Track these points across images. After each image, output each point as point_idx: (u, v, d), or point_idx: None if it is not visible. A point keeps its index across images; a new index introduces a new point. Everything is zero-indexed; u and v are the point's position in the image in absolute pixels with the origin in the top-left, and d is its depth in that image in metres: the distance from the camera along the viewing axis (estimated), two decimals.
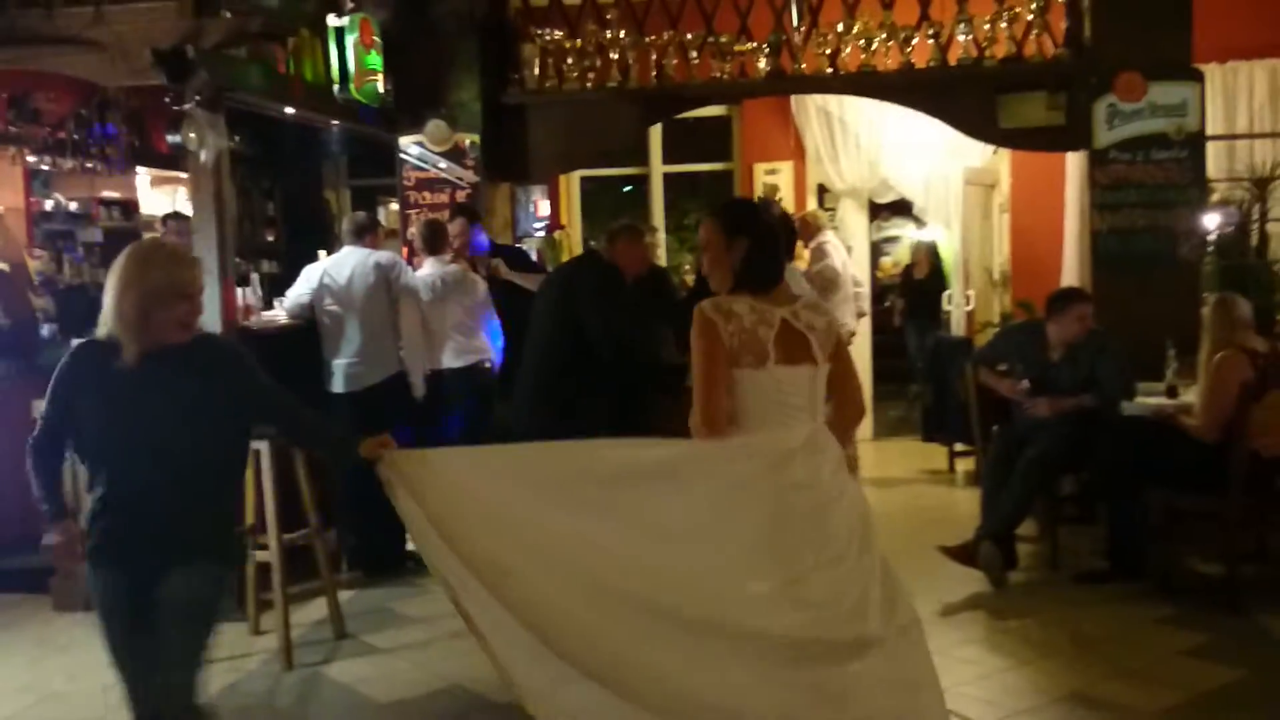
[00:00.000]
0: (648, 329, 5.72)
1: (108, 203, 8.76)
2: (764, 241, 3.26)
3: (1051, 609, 5.38)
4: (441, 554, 3.14)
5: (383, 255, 6.63)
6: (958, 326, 9.50)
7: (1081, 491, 6.47)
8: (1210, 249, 7.31)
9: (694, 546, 3.05)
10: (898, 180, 9.72)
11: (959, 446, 8.27)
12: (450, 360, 6.60)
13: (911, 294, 10.78)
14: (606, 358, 5.39)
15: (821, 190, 10.16)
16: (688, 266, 9.28)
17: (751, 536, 3.01)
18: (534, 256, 8.85)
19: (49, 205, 8.42)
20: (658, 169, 10.38)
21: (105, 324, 3.14)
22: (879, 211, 11.79)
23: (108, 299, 3.13)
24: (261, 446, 5.03)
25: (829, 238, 8.73)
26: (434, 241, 6.72)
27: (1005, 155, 9.34)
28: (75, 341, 3.22)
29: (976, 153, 9.21)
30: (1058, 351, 5.97)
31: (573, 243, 10.09)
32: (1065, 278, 8.09)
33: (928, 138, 9.00)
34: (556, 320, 5.57)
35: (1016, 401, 6.09)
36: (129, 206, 8.91)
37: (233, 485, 3.45)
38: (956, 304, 9.53)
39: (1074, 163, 8.01)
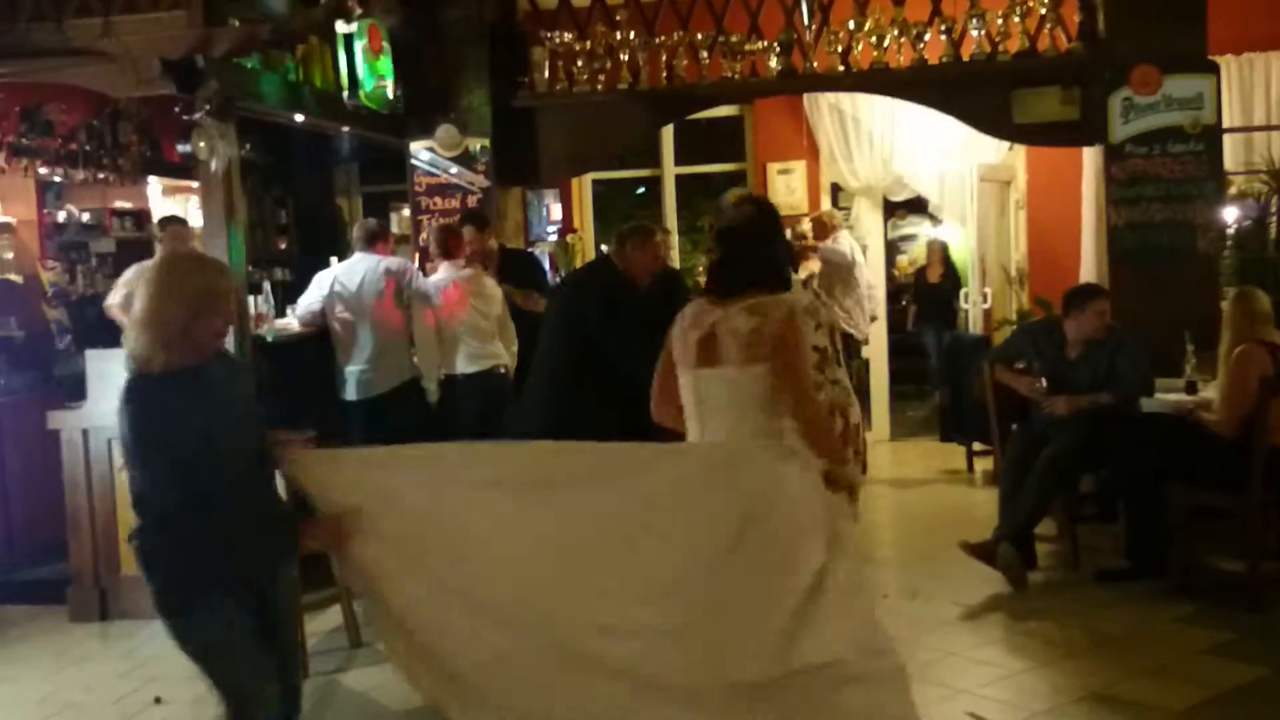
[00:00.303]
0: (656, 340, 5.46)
1: (120, 213, 8.78)
2: (730, 248, 3.32)
3: (1071, 608, 5.33)
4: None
5: (393, 261, 6.63)
6: (974, 325, 9.44)
7: (1100, 490, 6.41)
8: (1229, 243, 7.25)
9: (574, 565, 3.00)
10: (912, 178, 9.66)
11: (977, 446, 8.21)
12: (464, 365, 6.59)
13: (925, 296, 10.69)
14: (624, 370, 4.97)
15: (835, 189, 10.11)
16: (701, 269, 9.24)
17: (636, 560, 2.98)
18: (546, 261, 8.85)
19: (61, 217, 8.44)
20: (670, 170, 10.35)
21: (136, 341, 2.98)
22: (894, 210, 11.73)
23: (142, 310, 2.98)
24: None
25: (844, 236, 8.70)
26: (448, 246, 6.71)
27: (1020, 151, 9.27)
28: (124, 384, 2.99)
29: (991, 149, 9.15)
30: (1076, 349, 5.92)
31: (586, 246, 10.07)
32: (1083, 274, 8.02)
33: (942, 134, 8.94)
34: (564, 330, 5.39)
35: (1034, 400, 6.03)
36: (141, 216, 8.92)
37: None
38: (973, 302, 9.47)
39: (1090, 157, 7.94)
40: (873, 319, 9.04)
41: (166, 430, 2.90)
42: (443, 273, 6.66)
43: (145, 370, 2.95)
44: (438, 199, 8.25)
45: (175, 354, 2.96)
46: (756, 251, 3.32)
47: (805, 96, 9.46)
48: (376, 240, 6.62)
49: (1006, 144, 8.98)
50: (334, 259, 7.30)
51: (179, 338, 2.96)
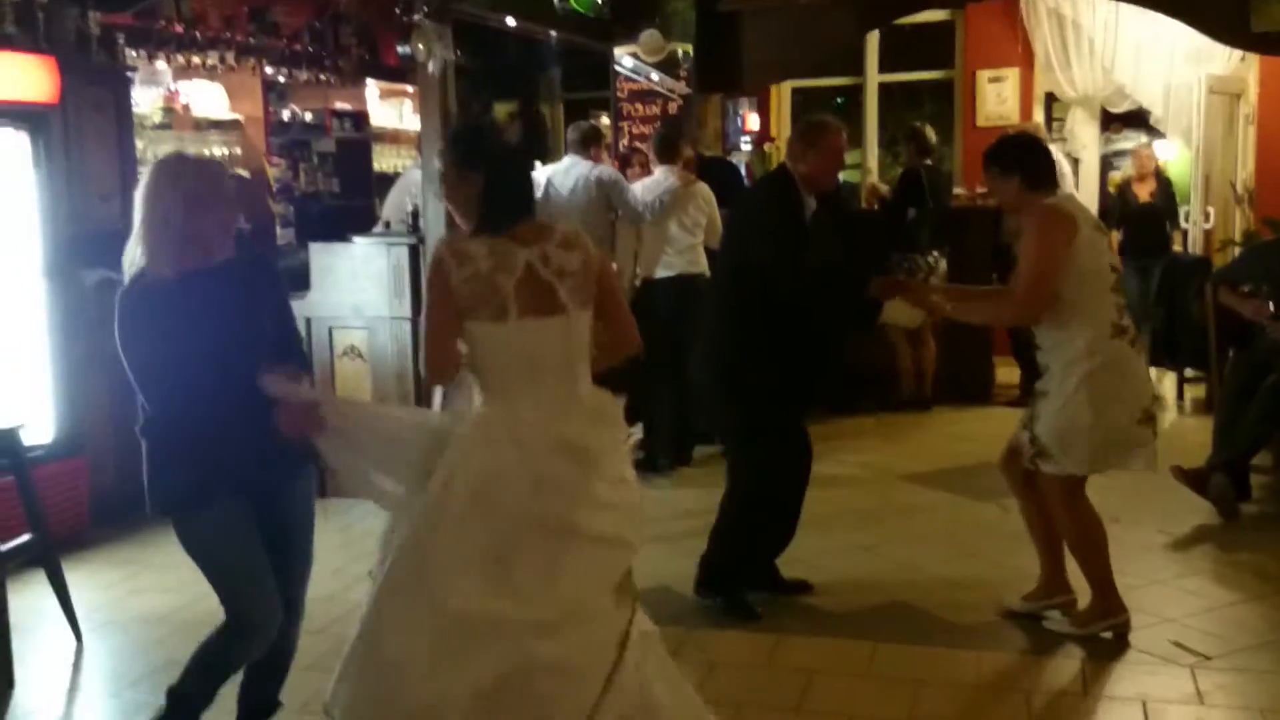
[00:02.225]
0: (831, 264, 4.45)
1: (340, 114, 9.14)
2: (502, 173, 2.84)
3: None
4: None
5: (605, 171, 6.70)
6: (1195, 245, 8.95)
7: None
8: None
9: None
10: (1134, 88, 9.17)
11: (1189, 373, 7.85)
12: (661, 270, 6.65)
13: (1131, 222, 8.80)
14: (789, 301, 4.24)
15: (1050, 100, 9.69)
16: (885, 187, 9.00)
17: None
18: (743, 170, 8.80)
19: (285, 116, 8.84)
20: (873, 78, 10.10)
21: (140, 247, 2.96)
22: (1110, 122, 11.15)
23: (140, 218, 2.96)
24: None
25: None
26: (667, 151, 6.72)
27: (1254, 62, 8.68)
28: (121, 291, 2.97)
29: (1222, 59, 8.59)
30: None
31: (783, 156, 9.95)
32: None
33: (1169, 42, 8.44)
34: (728, 259, 4.61)
35: (1260, 325, 5.72)
36: (360, 118, 9.28)
37: None
38: (1194, 222, 8.97)
39: None
40: None
41: (152, 337, 2.90)
42: (659, 175, 6.68)
43: (145, 274, 2.95)
44: (639, 105, 8.28)
45: (176, 259, 2.93)
46: (527, 176, 3.05)
47: (1023, 0, 9.05)
48: (590, 144, 6.69)
49: (1239, 54, 8.42)
50: (537, 164, 7.44)
51: (180, 240, 2.92)
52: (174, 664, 3.33)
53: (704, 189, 6.67)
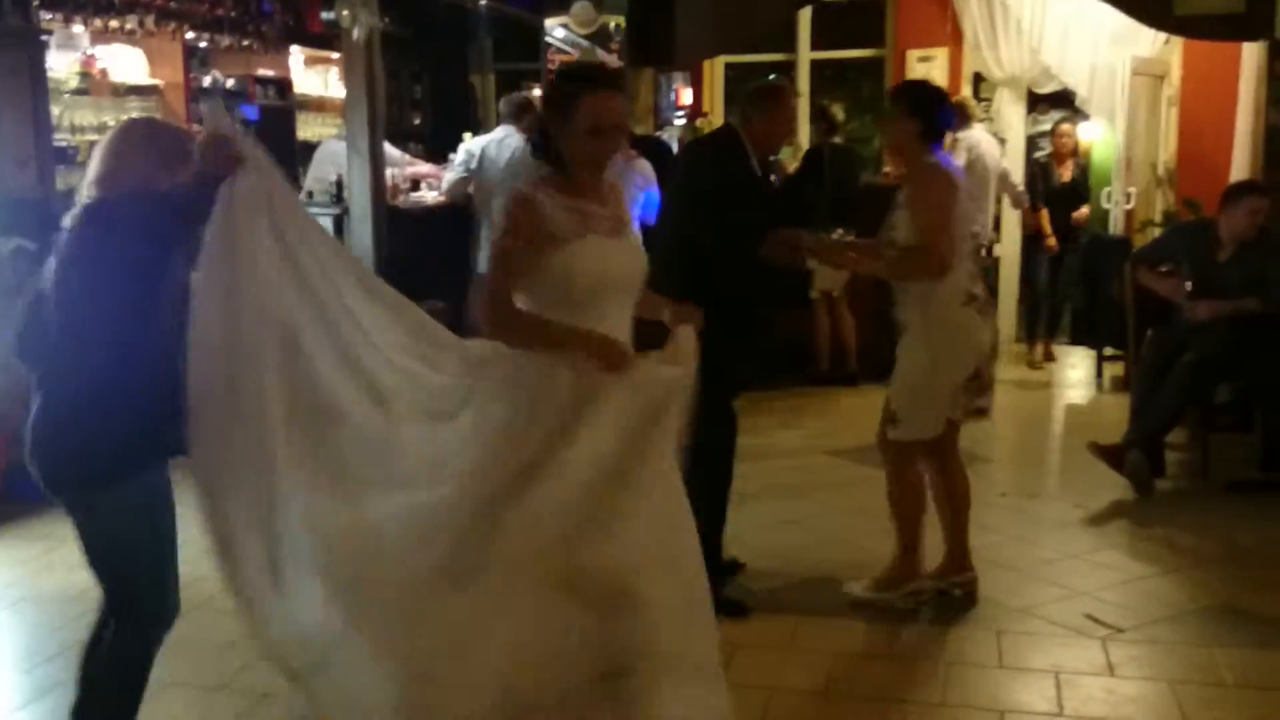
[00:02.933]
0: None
1: (264, 81, 8.96)
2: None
3: (1199, 518, 5.22)
4: None
5: None
6: (1115, 225, 9.11)
7: (1236, 399, 6.21)
8: None
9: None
10: (1060, 69, 9.25)
11: (1108, 351, 8.00)
12: None
13: (1049, 202, 8.56)
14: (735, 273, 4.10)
15: (978, 79, 9.78)
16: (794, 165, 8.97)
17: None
18: (675, 145, 8.78)
19: (207, 82, 8.65)
20: (805, 55, 10.11)
21: (95, 190, 2.79)
22: (1036, 103, 11.28)
23: (98, 171, 2.80)
24: None
25: (976, 129, 8.37)
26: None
27: (1177, 44, 8.81)
28: (82, 209, 2.78)
29: (1146, 41, 8.71)
30: (1228, 250, 5.68)
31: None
32: (1234, 175, 7.64)
33: (1095, 23, 8.54)
34: (675, 226, 4.32)
35: (1176, 304, 5.84)
36: (284, 85, 9.10)
37: None
38: (1115, 202, 9.12)
39: (1251, 54, 7.52)
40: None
41: (129, 259, 2.70)
42: None
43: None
44: None
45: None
46: None
47: None
48: (523, 114, 6.64)
49: (1162, 36, 8.55)
50: (467, 135, 7.36)
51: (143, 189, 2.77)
52: None
53: (644, 163, 6.65)
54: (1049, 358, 8.68)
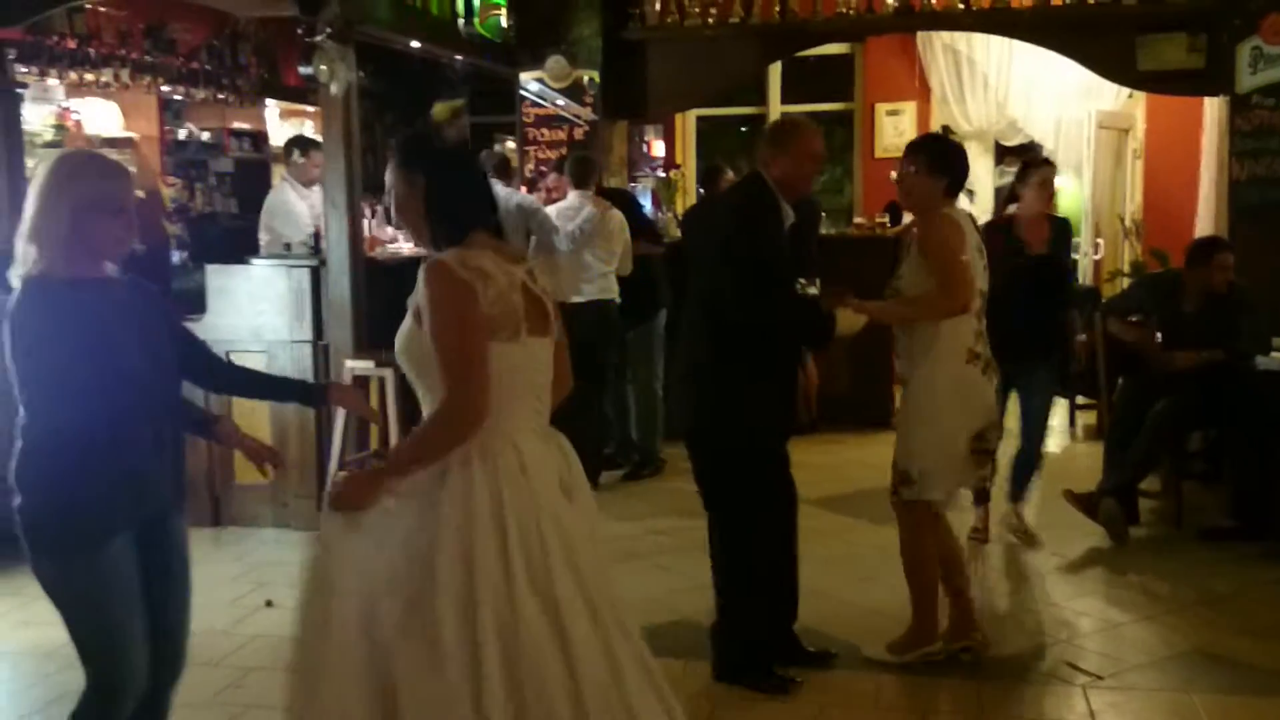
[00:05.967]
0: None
1: (239, 134, 8.99)
2: (450, 172, 2.59)
3: (1173, 566, 5.25)
4: None
5: (525, 199, 6.68)
6: (1084, 276, 9.24)
7: (1208, 448, 6.29)
8: None
9: None
10: (1026, 122, 9.46)
11: (1080, 400, 8.08)
12: (576, 296, 6.63)
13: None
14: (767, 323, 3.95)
15: (946, 132, 9.91)
16: None
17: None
18: (648, 197, 8.85)
19: (182, 135, 8.66)
20: (776, 108, 10.25)
21: (27, 250, 2.68)
22: (1004, 156, 11.47)
23: (30, 215, 2.68)
24: (386, 375, 5.12)
25: None
26: (584, 175, 6.70)
27: (1141, 99, 9.01)
28: (18, 290, 2.67)
29: (1110, 95, 8.91)
30: (1195, 302, 5.77)
31: (687, 183, 10.06)
32: (1200, 227, 7.81)
33: (1060, 79, 8.72)
34: (708, 281, 3.99)
35: (1146, 353, 5.91)
36: (259, 138, 9.13)
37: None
38: (1084, 253, 9.26)
39: (1213, 108, 7.69)
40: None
41: (59, 334, 2.60)
42: (573, 201, 6.66)
43: (35, 275, 2.67)
44: (545, 130, 8.29)
45: (64, 260, 2.66)
46: (482, 176, 2.74)
47: (919, 36, 9.29)
48: (502, 172, 6.68)
49: (1126, 91, 8.73)
50: None
51: (68, 240, 2.65)
52: (66, 697, 3.15)
53: (619, 216, 6.70)
54: None
